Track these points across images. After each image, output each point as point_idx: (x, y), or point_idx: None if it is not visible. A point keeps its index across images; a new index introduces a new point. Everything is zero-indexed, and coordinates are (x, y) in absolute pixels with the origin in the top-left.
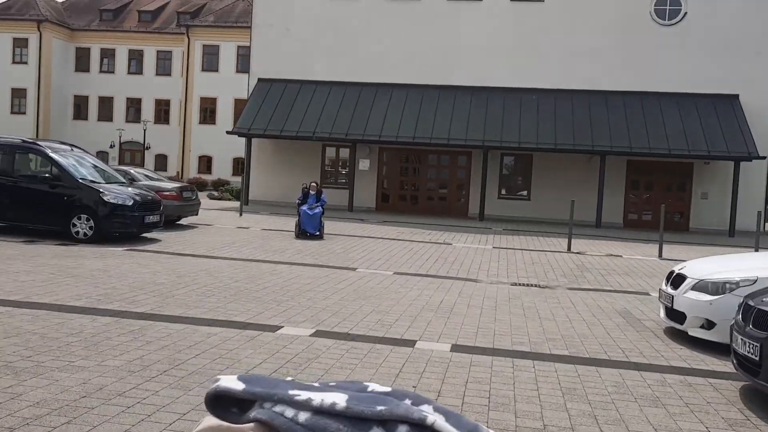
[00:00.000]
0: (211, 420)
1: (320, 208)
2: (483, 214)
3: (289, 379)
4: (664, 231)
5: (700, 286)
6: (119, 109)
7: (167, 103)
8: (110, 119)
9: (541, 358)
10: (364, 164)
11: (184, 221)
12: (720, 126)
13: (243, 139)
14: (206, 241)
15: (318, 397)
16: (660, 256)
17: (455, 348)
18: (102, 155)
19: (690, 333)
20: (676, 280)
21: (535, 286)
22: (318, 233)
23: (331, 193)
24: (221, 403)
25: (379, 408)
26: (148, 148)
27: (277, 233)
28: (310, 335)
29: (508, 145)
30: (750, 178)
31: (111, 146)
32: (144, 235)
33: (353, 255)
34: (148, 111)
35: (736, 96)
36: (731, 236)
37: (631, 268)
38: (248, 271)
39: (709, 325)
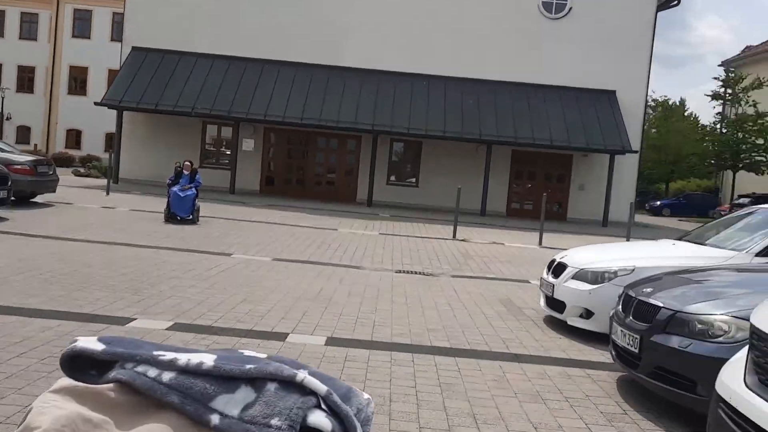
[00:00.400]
0: (66, 381)
1: (194, 189)
2: (371, 200)
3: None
4: (544, 220)
5: (580, 275)
6: None
7: (32, 70)
8: None
9: (421, 351)
10: (248, 144)
11: (39, 198)
12: (598, 120)
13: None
14: (62, 221)
15: (184, 358)
16: (540, 244)
17: (330, 341)
18: None
19: (569, 322)
20: (558, 269)
21: (419, 273)
22: (190, 217)
23: (211, 174)
24: (78, 365)
25: (248, 366)
26: (8, 118)
27: (147, 215)
28: (165, 329)
29: (398, 131)
30: (623, 171)
31: None
32: None
33: (230, 239)
34: (9, 78)
35: (614, 92)
36: (604, 226)
37: (512, 256)
38: (106, 256)
39: (587, 314)
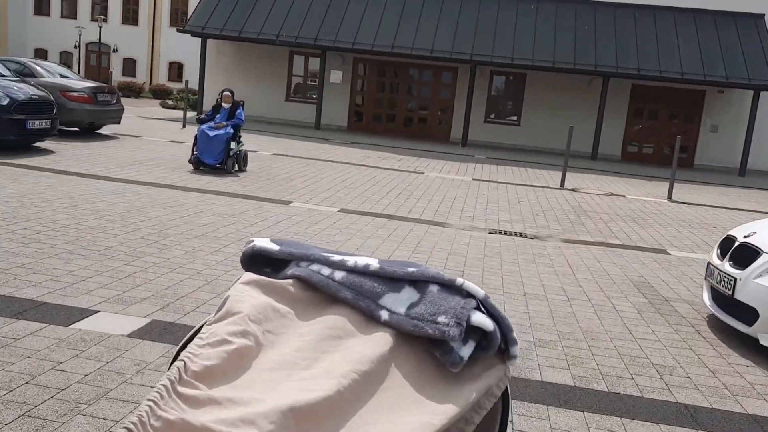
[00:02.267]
0: (251, 275)
1: (229, 128)
2: (466, 140)
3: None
4: (666, 167)
5: None
6: (84, 4)
7: (136, 2)
8: (74, 16)
9: (525, 397)
10: (336, 76)
11: (104, 130)
12: (741, 49)
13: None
14: (115, 155)
15: (351, 260)
16: (669, 197)
17: None
18: (66, 56)
19: (763, 342)
20: (741, 253)
21: (520, 235)
22: (219, 164)
23: (299, 109)
24: (255, 263)
25: (411, 269)
26: (115, 50)
27: None
28: (127, 335)
29: (500, 61)
30: (766, 112)
31: (75, 47)
32: (37, 144)
33: (296, 183)
34: (115, 10)
35: (762, 16)
36: (742, 175)
37: (637, 213)
38: (135, 201)
39: None
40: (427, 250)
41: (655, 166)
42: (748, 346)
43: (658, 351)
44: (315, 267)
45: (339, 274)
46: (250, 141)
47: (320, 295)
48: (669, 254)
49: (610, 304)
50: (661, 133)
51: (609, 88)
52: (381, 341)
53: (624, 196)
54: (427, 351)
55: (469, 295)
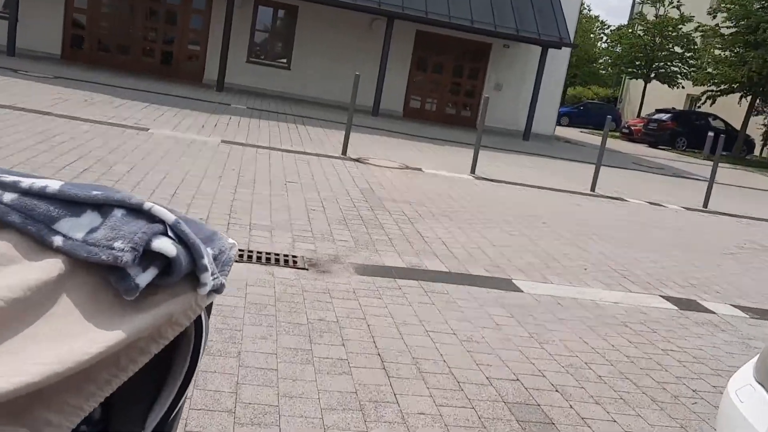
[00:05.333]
0: None
1: None
2: (223, 83)
3: None
4: (451, 127)
5: None
6: None
7: None
8: None
9: None
10: None
11: None
12: (531, 2)
13: None
14: None
15: (28, 181)
16: (473, 171)
17: None
18: None
19: None
20: None
21: (287, 263)
22: None
23: None
24: None
25: (95, 192)
26: None
27: None
28: None
29: None
30: (551, 71)
31: None
32: None
33: None
34: None
35: None
36: (526, 139)
37: (445, 200)
38: None
39: None
40: None
41: (440, 124)
42: None
43: None
44: None
45: (8, 197)
46: None
47: None
48: (522, 293)
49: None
50: (444, 88)
51: (393, 32)
52: (49, 268)
53: (420, 169)
54: (105, 279)
55: (159, 220)
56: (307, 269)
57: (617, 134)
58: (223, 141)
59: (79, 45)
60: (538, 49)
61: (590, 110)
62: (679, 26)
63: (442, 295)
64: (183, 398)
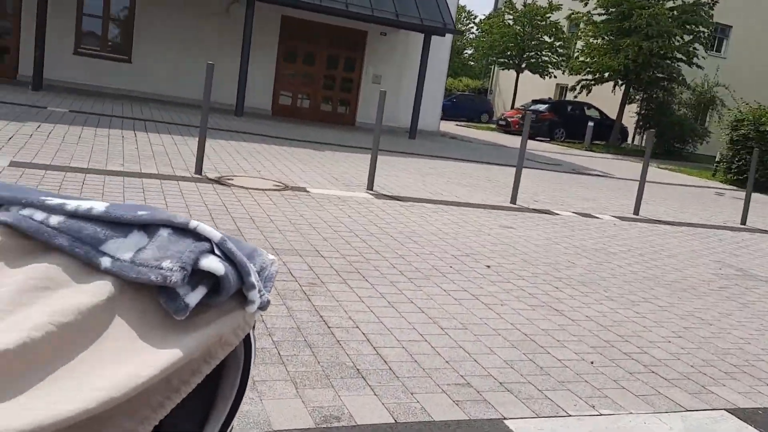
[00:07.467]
0: None
1: None
2: (41, 80)
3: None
4: (327, 126)
5: None
6: None
7: None
8: None
9: None
10: None
11: None
12: None
13: None
14: None
15: (73, 203)
16: (370, 188)
17: None
18: None
19: None
20: None
21: None
22: None
23: None
24: None
25: (141, 212)
26: None
27: None
28: None
29: None
30: (433, 61)
31: None
32: None
33: None
34: None
35: None
36: (412, 138)
37: (344, 239)
38: None
39: None
40: None
41: (315, 124)
42: None
43: None
44: (26, 212)
45: (55, 219)
46: None
47: (33, 243)
48: None
49: None
50: (317, 82)
51: (255, 18)
52: (98, 291)
53: (305, 190)
54: (154, 299)
55: (204, 239)
56: None
57: (493, 126)
58: (12, 163)
59: None
60: (419, 37)
61: (462, 102)
62: (548, 15)
63: None
64: (233, 419)
